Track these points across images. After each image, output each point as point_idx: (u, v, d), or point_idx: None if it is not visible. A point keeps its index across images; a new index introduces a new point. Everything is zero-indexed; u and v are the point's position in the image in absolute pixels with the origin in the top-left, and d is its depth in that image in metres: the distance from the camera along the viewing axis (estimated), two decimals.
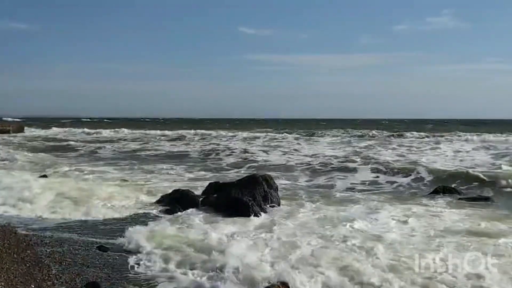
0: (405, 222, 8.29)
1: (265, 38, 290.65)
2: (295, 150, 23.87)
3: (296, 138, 34.40)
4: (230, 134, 38.50)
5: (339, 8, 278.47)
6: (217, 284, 5.34)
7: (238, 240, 6.95)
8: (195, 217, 8.64)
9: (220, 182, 11.40)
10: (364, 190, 12.66)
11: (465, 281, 5.33)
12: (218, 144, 27.53)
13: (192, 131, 40.94)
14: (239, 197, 9.14)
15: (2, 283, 5.09)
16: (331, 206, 9.74)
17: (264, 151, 23.19)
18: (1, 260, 5.86)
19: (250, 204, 8.88)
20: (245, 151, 22.97)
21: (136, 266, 5.99)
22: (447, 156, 20.88)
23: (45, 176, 13.53)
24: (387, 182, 13.85)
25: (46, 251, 6.54)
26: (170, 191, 10.50)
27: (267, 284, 5.23)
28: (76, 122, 74.33)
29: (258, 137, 34.73)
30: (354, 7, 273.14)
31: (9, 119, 66.67)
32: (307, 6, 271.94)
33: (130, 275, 5.75)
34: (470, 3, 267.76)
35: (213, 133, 39.51)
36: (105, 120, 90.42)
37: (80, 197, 10.44)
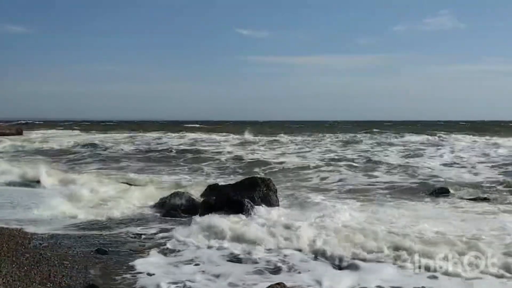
0: None
1: (261, 39, 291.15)
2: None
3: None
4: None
5: (336, 9, 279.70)
6: None
7: None
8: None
9: (220, 184, 11.37)
10: None
11: None
12: None
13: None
14: (238, 199, 9.13)
15: (1, 287, 5.07)
16: None
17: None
18: (0, 264, 5.85)
19: (249, 206, 8.87)
20: None
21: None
22: None
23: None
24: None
25: (45, 254, 6.50)
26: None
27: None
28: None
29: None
30: (351, 8, 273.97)
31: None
32: (304, 7, 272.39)
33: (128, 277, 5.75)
34: (467, 3, 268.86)
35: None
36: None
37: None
